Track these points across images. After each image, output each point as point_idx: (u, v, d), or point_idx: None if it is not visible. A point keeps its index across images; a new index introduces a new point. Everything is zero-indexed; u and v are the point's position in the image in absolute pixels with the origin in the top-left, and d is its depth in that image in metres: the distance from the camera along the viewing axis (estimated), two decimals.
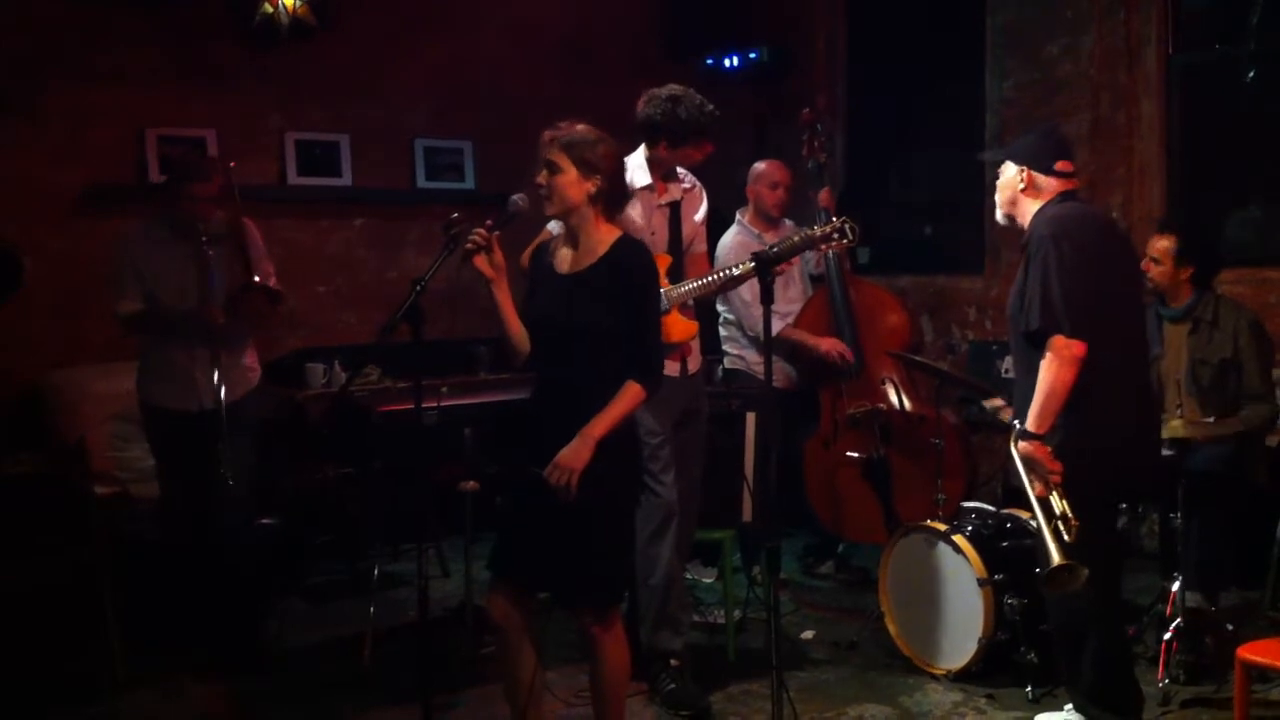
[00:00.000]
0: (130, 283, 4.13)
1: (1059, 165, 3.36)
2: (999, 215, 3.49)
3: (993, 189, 3.49)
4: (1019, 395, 3.35)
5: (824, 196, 5.10)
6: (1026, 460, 3.18)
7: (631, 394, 2.99)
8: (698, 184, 4.07)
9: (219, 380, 4.06)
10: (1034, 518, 3.16)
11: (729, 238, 4.99)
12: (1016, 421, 3.26)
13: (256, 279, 4.15)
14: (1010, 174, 3.40)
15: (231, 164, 4.37)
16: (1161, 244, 4.20)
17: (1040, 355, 3.16)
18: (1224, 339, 4.19)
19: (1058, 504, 3.13)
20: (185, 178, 4.12)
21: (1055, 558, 3.04)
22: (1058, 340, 3.12)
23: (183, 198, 4.10)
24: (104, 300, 4.27)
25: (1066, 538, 3.07)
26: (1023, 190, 3.36)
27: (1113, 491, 3.42)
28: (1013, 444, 3.23)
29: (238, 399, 4.17)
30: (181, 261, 4.12)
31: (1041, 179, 3.35)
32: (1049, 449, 3.16)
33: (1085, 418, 3.17)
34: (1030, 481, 3.18)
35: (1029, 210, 3.35)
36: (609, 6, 6.73)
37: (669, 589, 3.83)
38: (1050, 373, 3.12)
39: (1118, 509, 3.48)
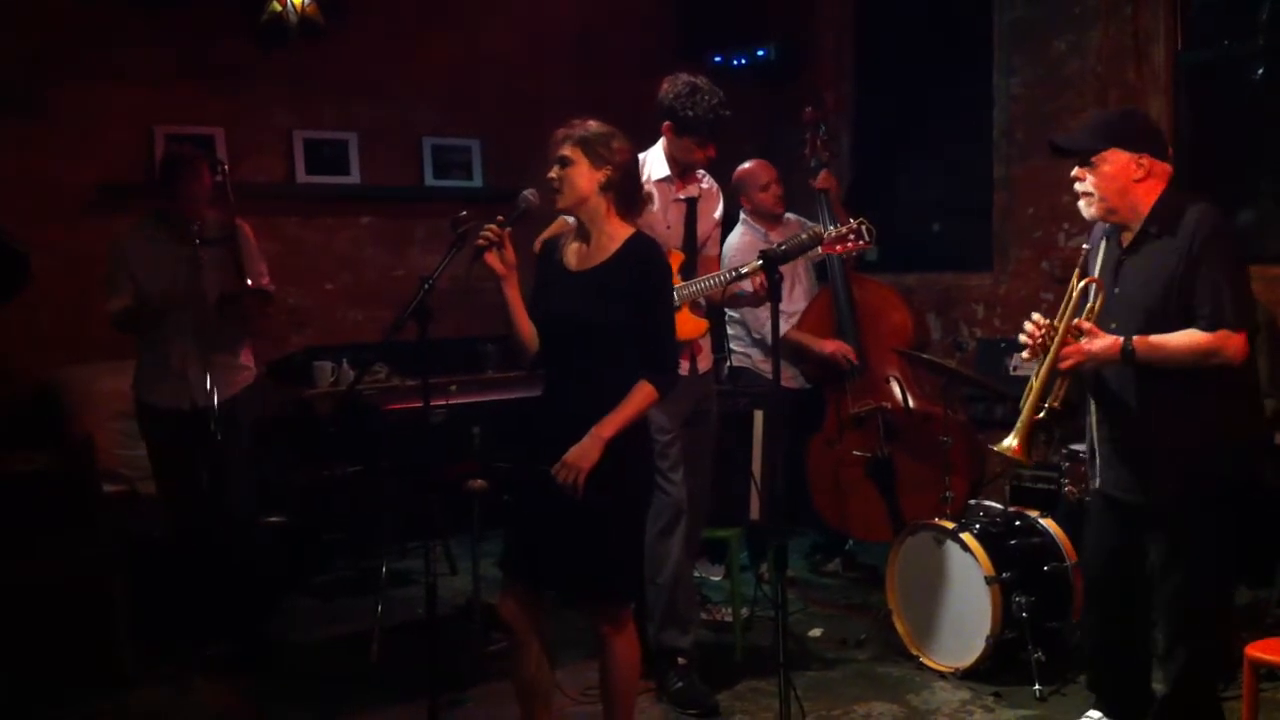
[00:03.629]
0: (123, 281, 4.15)
1: (1170, 150, 3.15)
2: (1094, 210, 3.14)
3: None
4: (1116, 401, 3.17)
5: (823, 179, 5.08)
6: (1096, 354, 3.03)
7: (644, 394, 2.97)
8: (715, 185, 4.07)
9: (211, 378, 4.09)
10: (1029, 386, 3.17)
11: (735, 238, 4.98)
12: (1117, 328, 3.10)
13: (249, 282, 4.15)
14: (1122, 161, 3.07)
15: (225, 165, 4.40)
16: None
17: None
18: None
19: (1057, 390, 3.12)
20: (176, 176, 4.12)
21: (1015, 436, 3.12)
22: (1241, 339, 2.96)
23: (176, 197, 4.12)
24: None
25: (1040, 415, 3.12)
26: (1139, 180, 3.07)
27: (1242, 486, 3.26)
28: (1092, 341, 3.05)
29: (231, 397, 4.19)
30: (172, 261, 4.12)
31: (1159, 165, 3.08)
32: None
33: (1237, 409, 3.07)
34: (1062, 358, 3.05)
35: (1142, 200, 3.08)
36: (618, 4, 6.72)
37: (677, 587, 3.84)
38: (1207, 356, 2.95)
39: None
